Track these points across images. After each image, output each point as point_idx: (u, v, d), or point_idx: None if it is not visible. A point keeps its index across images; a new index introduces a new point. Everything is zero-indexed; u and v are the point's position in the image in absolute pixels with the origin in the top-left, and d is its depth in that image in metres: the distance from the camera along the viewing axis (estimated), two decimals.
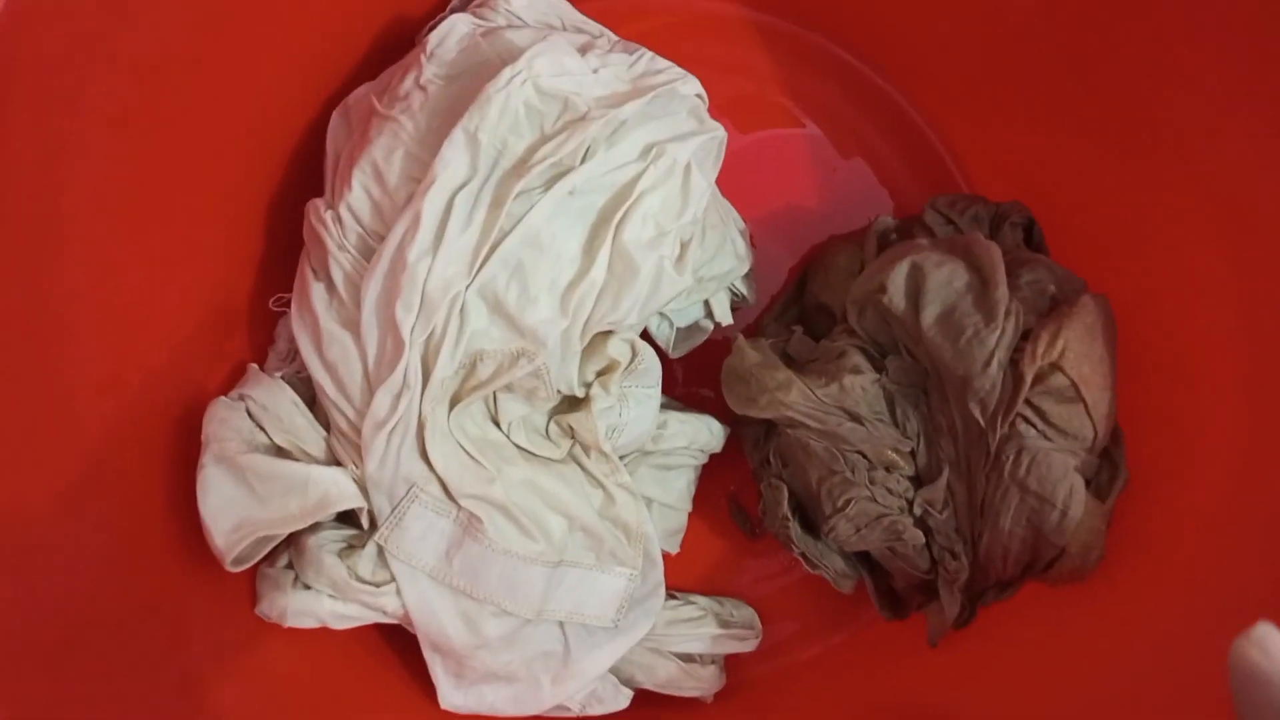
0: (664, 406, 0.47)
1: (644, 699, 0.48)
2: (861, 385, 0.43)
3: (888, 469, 0.43)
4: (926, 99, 0.54)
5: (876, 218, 0.48)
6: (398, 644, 0.46)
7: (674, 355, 0.48)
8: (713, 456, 0.50)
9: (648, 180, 0.40)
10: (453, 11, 0.44)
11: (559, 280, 0.40)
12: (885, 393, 0.43)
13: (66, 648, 0.34)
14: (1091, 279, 0.45)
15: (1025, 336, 0.41)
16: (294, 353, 0.44)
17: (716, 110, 0.44)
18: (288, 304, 0.45)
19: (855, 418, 0.43)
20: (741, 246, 0.48)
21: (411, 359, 0.39)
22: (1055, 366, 0.39)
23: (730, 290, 0.49)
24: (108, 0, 0.34)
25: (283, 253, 0.45)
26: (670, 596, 0.49)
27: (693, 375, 0.53)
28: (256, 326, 0.46)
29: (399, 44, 0.46)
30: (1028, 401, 0.40)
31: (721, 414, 0.49)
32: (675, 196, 0.40)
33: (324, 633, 0.43)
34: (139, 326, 0.39)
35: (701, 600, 0.50)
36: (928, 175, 0.53)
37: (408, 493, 0.40)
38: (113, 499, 0.38)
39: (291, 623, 0.40)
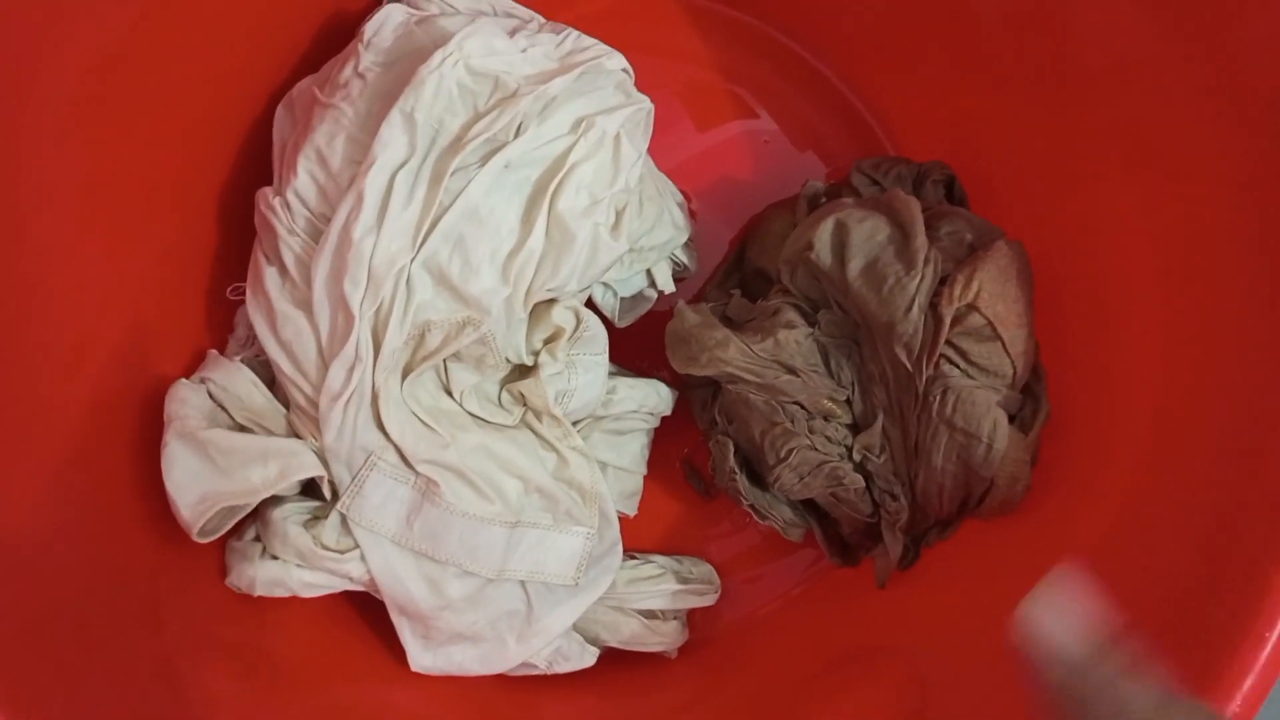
0: (613, 374, 0.49)
1: (610, 656, 0.50)
2: (795, 339, 0.45)
3: (825, 418, 0.46)
4: (849, 65, 0.56)
5: (806, 183, 0.50)
6: (367, 613, 0.48)
7: (620, 324, 0.50)
8: (665, 423, 0.52)
9: (579, 152, 0.42)
10: (387, 3, 0.46)
11: (499, 250, 0.42)
12: (819, 345, 0.45)
13: (40, 631, 0.35)
14: (1012, 228, 0.47)
15: (944, 282, 0.43)
16: (252, 338, 0.46)
17: (648, 90, 0.47)
18: (244, 293, 0.47)
19: (791, 370, 0.45)
20: (679, 217, 0.50)
21: (362, 332, 0.41)
22: (972, 307, 0.42)
23: (672, 260, 0.51)
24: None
25: (238, 244, 0.47)
26: (630, 557, 0.50)
27: (642, 348, 0.55)
28: (215, 316, 0.47)
29: (339, 38, 0.48)
30: (949, 342, 0.42)
31: (671, 382, 0.52)
32: (607, 166, 0.42)
33: (295, 605, 0.45)
34: (100, 314, 0.41)
35: (660, 559, 0.52)
36: (856, 138, 0.56)
37: (366, 461, 0.42)
38: (82, 481, 0.39)
39: (260, 592, 0.42)
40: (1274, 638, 0.33)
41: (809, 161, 0.56)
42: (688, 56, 0.57)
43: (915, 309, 0.42)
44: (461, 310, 0.42)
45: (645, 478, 0.52)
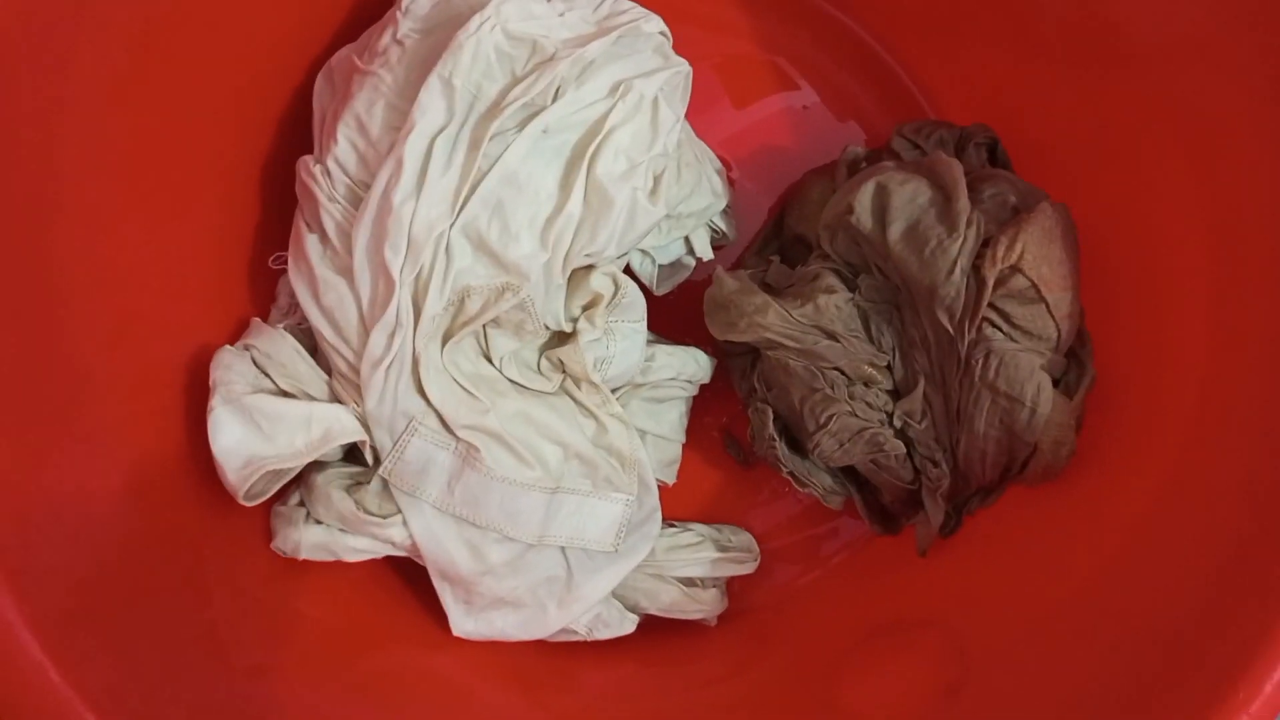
0: (652, 342, 0.49)
1: (649, 624, 0.50)
2: (835, 304, 0.44)
3: (866, 384, 0.45)
4: (891, 33, 0.55)
5: (845, 148, 0.50)
6: (410, 580, 0.49)
7: (659, 292, 0.50)
8: (703, 391, 0.52)
9: (617, 116, 0.41)
10: None
11: (538, 216, 0.42)
12: (859, 310, 0.45)
13: (90, 595, 0.36)
14: (1058, 194, 0.46)
15: (987, 245, 0.42)
16: (294, 306, 0.46)
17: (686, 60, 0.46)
18: (285, 261, 0.47)
19: (831, 335, 0.44)
20: (718, 184, 0.50)
21: (402, 298, 0.41)
22: (1015, 269, 0.41)
23: (710, 227, 0.51)
24: None
25: (279, 214, 0.48)
26: (669, 525, 0.51)
27: (680, 317, 0.55)
28: (258, 285, 0.48)
29: (376, 7, 0.48)
30: (992, 305, 0.42)
31: (710, 351, 0.51)
32: (645, 130, 0.42)
33: (337, 571, 0.45)
34: (143, 285, 0.42)
35: (699, 527, 0.52)
36: (896, 107, 0.55)
37: (407, 426, 0.42)
38: (127, 451, 0.40)
39: (305, 555, 0.43)
40: None
41: (849, 130, 0.55)
42: (725, 26, 0.56)
43: (958, 272, 0.41)
44: (501, 276, 0.42)
45: (684, 446, 0.52)
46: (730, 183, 0.52)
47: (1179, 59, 0.43)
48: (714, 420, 0.55)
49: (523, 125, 0.41)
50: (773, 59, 0.56)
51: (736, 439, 0.54)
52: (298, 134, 0.48)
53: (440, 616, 0.46)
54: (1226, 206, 0.42)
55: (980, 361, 0.42)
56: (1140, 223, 0.46)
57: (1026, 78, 0.51)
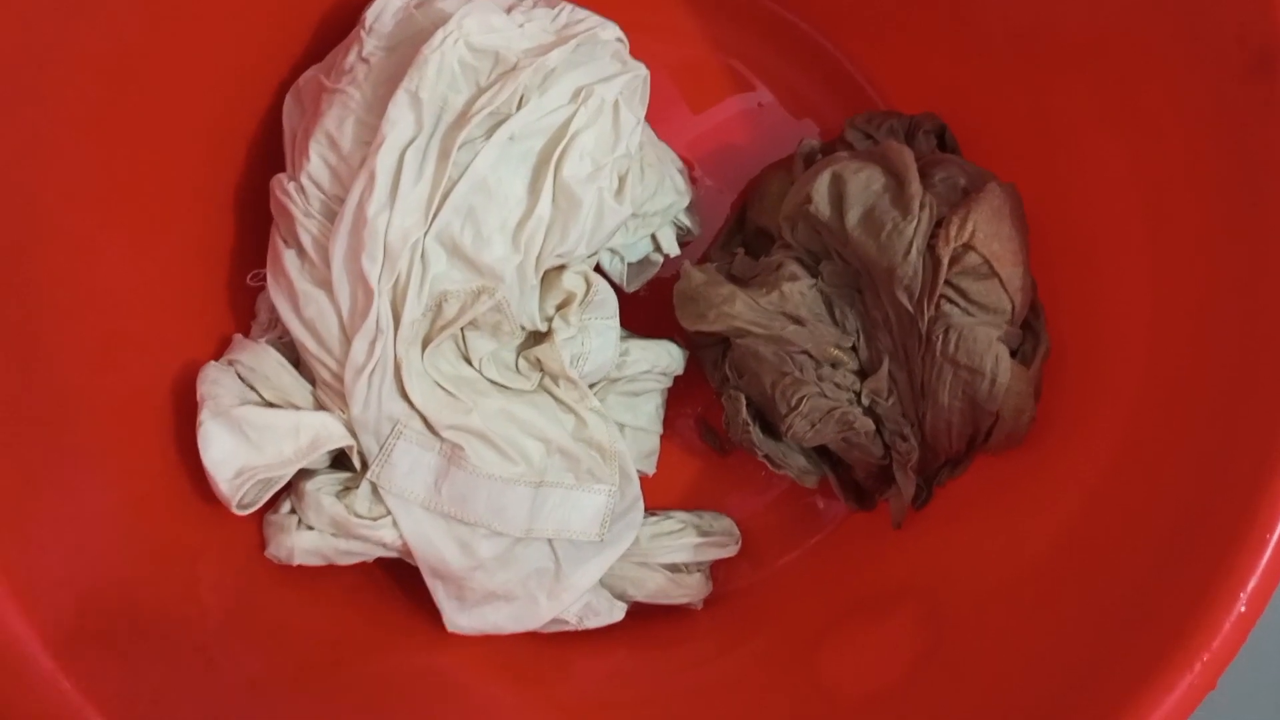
0: (625, 338, 0.51)
1: (637, 611, 0.51)
2: (799, 290, 0.46)
3: (833, 365, 0.47)
4: (839, 31, 0.57)
5: (801, 141, 0.52)
6: (401, 580, 0.50)
7: (629, 289, 0.52)
8: (677, 383, 0.54)
9: (580, 120, 0.43)
10: None
11: (509, 220, 0.43)
12: (823, 295, 0.47)
13: (93, 610, 0.37)
14: (1002, 174, 0.48)
15: (940, 225, 0.44)
16: (274, 321, 0.48)
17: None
18: (263, 279, 0.48)
19: (797, 320, 0.46)
20: (680, 182, 0.52)
21: (381, 306, 0.42)
22: (968, 246, 0.43)
23: (675, 224, 0.53)
24: (76, 4, 0.37)
25: (255, 232, 0.49)
26: (651, 514, 0.52)
27: (650, 313, 0.56)
28: (238, 302, 0.49)
29: (341, 28, 0.50)
30: (948, 282, 0.43)
31: (681, 343, 0.53)
32: (607, 132, 0.44)
33: (331, 575, 0.47)
34: (126, 306, 0.42)
35: (680, 514, 0.53)
36: (848, 101, 0.57)
37: (392, 430, 0.44)
38: (117, 469, 0.41)
39: (299, 560, 0.44)
40: (1274, 539, 0.35)
41: (804, 126, 0.57)
42: (679, 32, 0.58)
43: (914, 252, 0.43)
44: (476, 279, 0.43)
45: (662, 437, 0.53)
46: (693, 181, 0.54)
47: (1110, 48, 0.45)
48: (689, 410, 0.57)
49: (490, 133, 0.42)
50: (727, 61, 0.58)
51: (712, 427, 0.56)
52: (269, 153, 0.49)
53: (433, 615, 0.47)
54: (1158, 181, 0.44)
55: (940, 337, 0.44)
56: (1081, 199, 0.48)
57: (970, 69, 0.53)
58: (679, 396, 0.55)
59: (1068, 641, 0.40)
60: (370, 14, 0.45)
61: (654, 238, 0.52)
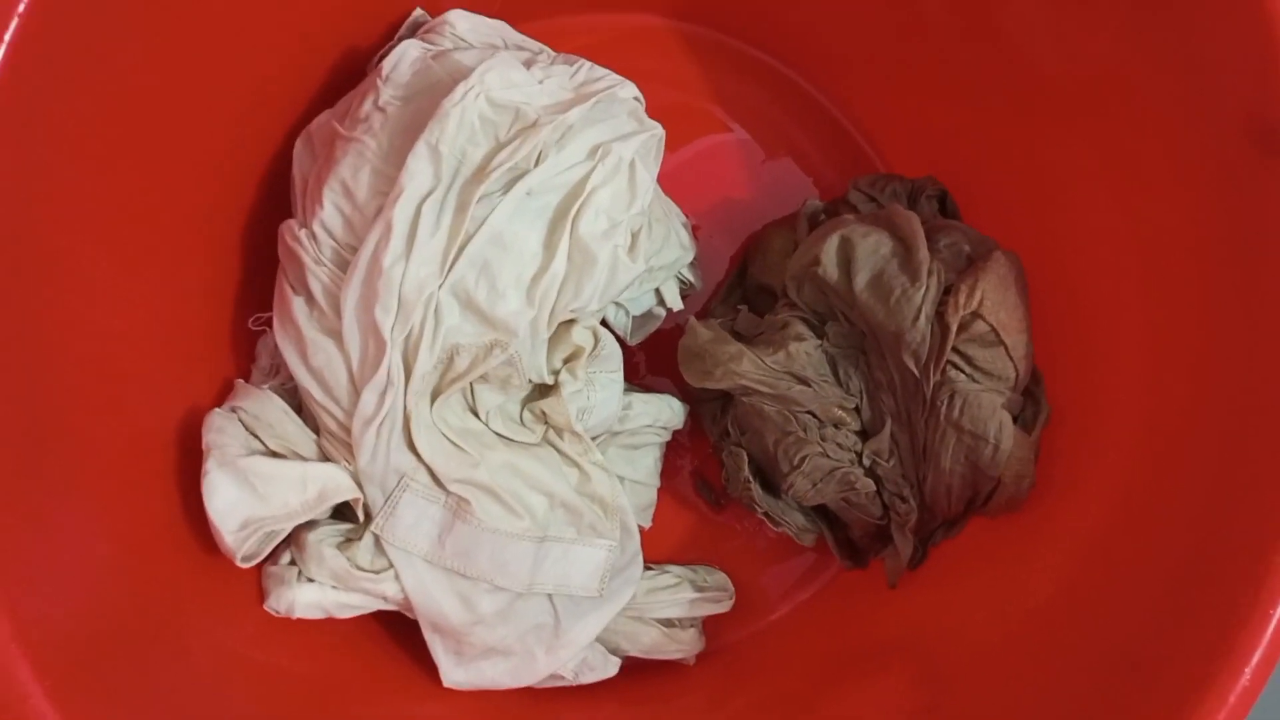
0: (627, 390, 0.51)
1: (630, 665, 0.51)
2: (806, 350, 0.47)
3: (836, 425, 0.48)
4: (839, 91, 0.58)
5: (805, 201, 0.53)
6: (398, 632, 0.49)
7: (632, 342, 0.52)
8: (674, 437, 0.54)
9: (597, 177, 0.43)
10: (401, 39, 0.47)
11: (524, 275, 0.43)
12: (828, 356, 0.47)
13: (91, 650, 0.36)
14: (1001, 239, 0.50)
15: (947, 292, 0.45)
16: (276, 367, 0.47)
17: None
18: (265, 323, 0.48)
19: (803, 380, 0.47)
20: (685, 237, 0.52)
21: (393, 357, 0.42)
22: (976, 315, 0.44)
23: (678, 278, 0.53)
24: (86, 46, 0.37)
25: (255, 276, 0.48)
26: (646, 568, 0.52)
27: (652, 363, 0.57)
28: (239, 346, 0.48)
29: (351, 74, 0.50)
30: (955, 349, 0.44)
31: (680, 397, 0.53)
32: (624, 190, 0.44)
33: (327, 626, 0.46)
34: (129, 350, 0.42)
35: (675, 569, 0.53)
36: (847, 161, 0.58)
37: (399, 483, 0.43)
38: (121, 514, 0.40)
39: (300, 614, 0.43)
40: (1277, 616, 0.36)
41: (803, 181, 0.58)
42: (677, 82, 0.59)
43: (922, 319, 0.44)
44: (489, 333, 0.43)
45: (658, 490, 0.53)
46: (694, 235, 0.55)
47: (1111, 112, 0.47)
48: (684, 464, 0.57)
49: (508, 188, 0.42)
50: (730, 115, 0.59)
51: (708, 481, 0.56)
52: (274, 197, 0.49)
53: (426, 667, 0.47)
54: (1157, 240, 0.45)
55: (945, 402, 0.45)
56: (1079, 262, 0.49)
57: (969, 130, 0.54)
58: (674, 451, 0.55)
59: (1068, 704, 0.41)
60: (387, 63, 0.45)
61: (658, 291, 0.52)
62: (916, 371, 0.45)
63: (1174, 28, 0.42)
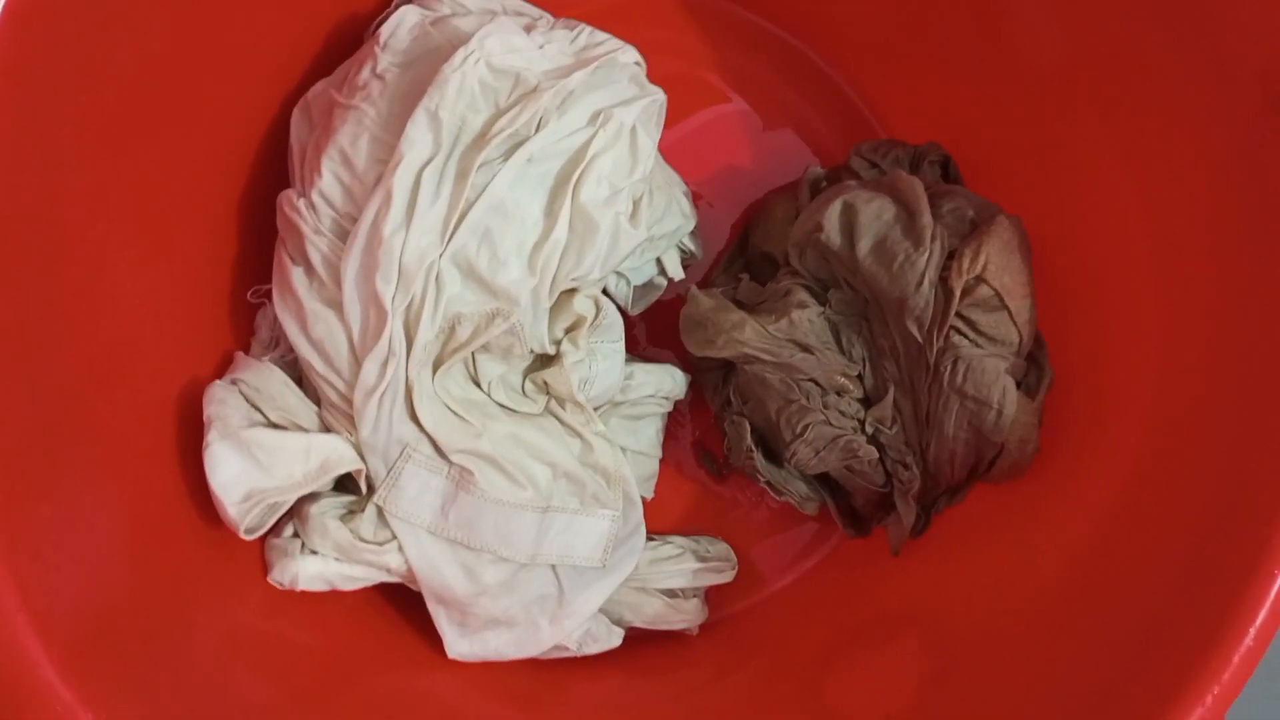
0: (628, 361, 0.51)
1: (634, 636, 0.51)
2: (808, 318, 0.46)
3: (839, 393, 0.47)
4: (843, 59, 0.58)
5: (807, 169, 0.52)
6: (403, 604, 0.49)
7: (634, 312, 0.52)
8: (676, 408, 0.54)
9: (598, 144, 0.43)
10: (399, 5, 0.47)
11: (525, 242, 0.43)
12: (830, 323, 0.47)
13: (104, 626, 0.36)
14: (1006, 204, 0.49)
15: (950, 257, 0.45)
16: (276, 339, 0.47)
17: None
18: (264, 295, 0.48)
19: (805, 348, 0.46)
20: (686, 205, 0.52)
21: (395, 327, 0.42)
22: (980, 279, 0.44)
23: (679, 248, 0.53)
24: (94, 22, 0.36)
25: (253, 247, 0.48)
26: (649, 538, 0.52)
27: (653, 334, 0.56)
28: (238, 319, 0.48)
29: (349, 41, 0.49)
30: (958, 314, 0.44)
31: (682, 366, 0.53)
32: (625, 157, 0.44)
33: (332, 599, 0.46)
34: (133, 323, 0.41)
35: (678, 539, 0.53)
36: (849, 128, 0.58)
37: (401, 453, 0.43)
38: (126, 487, 0.40)
39: (303, 586, 0.43)
40: None
41: (804, 150, 0.58)
42: (682, 51, 0.58)
43: (926, 284, 0.44)
44: (490, 302, 0.43)
45: (660, 461, 0.53)
46: (694, 204, 0.54)
47: (1120, 77, 0.46)
48: (686, 434, 0.57)
49: (508, 155, 0.42)
50: (731, 85, 0.58)
51: (710, 451, 0.56)
52: (271, 168, 0.48)
53: (432, 638, 0.47)
54: (1169, 209, 0.45)
55: (949, 368, 0.45)
56: (1088, 229, 0.49)
57: (974, 98, 0.54)
58: (676, 422, 0.55)
59: (1077, 670, 0.41)
60: (385, 30, 0.44)
61: (659, 260, 0.52)
62: (920, 337, 0.45)
63: None
